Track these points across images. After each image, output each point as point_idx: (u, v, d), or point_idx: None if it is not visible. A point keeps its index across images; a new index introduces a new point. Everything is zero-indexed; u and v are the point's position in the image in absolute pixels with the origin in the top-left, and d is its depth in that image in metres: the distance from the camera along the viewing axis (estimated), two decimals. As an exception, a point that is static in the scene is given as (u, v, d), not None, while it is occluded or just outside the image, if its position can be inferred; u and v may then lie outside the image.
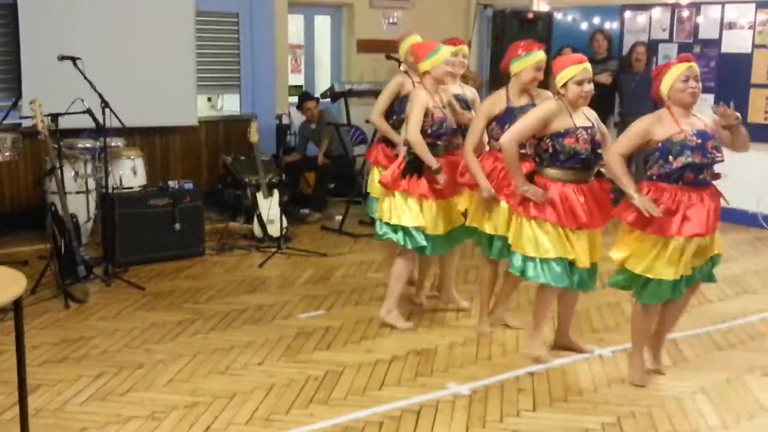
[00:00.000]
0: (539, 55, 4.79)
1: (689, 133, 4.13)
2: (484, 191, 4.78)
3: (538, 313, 4.71)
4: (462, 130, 5.25)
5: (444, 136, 5.07)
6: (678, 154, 4.10)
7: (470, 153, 4.85)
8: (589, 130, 4.42)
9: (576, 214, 4.38)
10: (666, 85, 4.17)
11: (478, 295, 5.27)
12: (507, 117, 4.79)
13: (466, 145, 4.89)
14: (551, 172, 4.46)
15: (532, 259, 4.46)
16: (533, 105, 4.80)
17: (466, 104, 5.42)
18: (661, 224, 4.08)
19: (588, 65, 4.43)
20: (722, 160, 4.21)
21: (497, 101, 4.88)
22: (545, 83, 5.05)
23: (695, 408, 4.15)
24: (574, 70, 4.37)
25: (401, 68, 5.88)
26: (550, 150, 4.42)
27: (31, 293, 5.50)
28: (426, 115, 4.98)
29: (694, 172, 4.13)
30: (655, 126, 4.17)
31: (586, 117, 4.47)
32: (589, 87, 4.40)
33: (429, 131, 5.00)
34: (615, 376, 4.51)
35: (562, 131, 4.38)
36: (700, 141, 4.12)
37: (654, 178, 4.20)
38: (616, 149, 4.26)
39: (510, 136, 4.45)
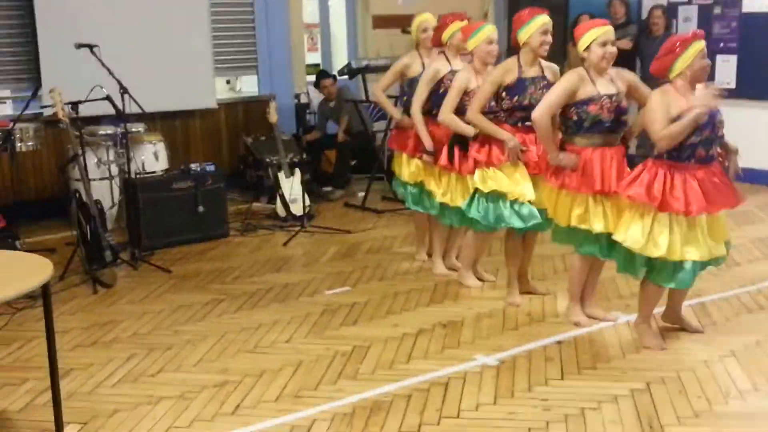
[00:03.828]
0: (543, 18, 4.77)
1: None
2: (509, 139, 4.83)
3: (573, 279, 4.72)
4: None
5: (486, 115, 5.03)
6: (695, 131, 4.04)
7: (478, 115, 4.87)
8: (614, 98, 4.38)
9: (593, 179, 4.37)
10: (684, 62, 4.09)
11: (505, 267, 5.26)
12: (518, 88, 4.79)
13: (472, 107, 4.90)
14: (578, 139, 4.44)
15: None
16: (543, 77, 4.85)
17: None
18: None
19: (610, 27, 4.42)
20: (723, 136, 4.24)
21: (509, 70, 4.83)
22: (563, 52, 5.04)
23: (725, 371, 4.12)
24: (597, 32, 4.36)
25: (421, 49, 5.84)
26: (575, 118, 4.40)
27: (59, 280, 5.56)
28: (466, 93, 5.08)
29: (706, 148, 4.08)
30: (672, 104, 4.09)
31: (611, 83, 4.43)
32: (613, 49, 4.38)
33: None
34: (643, 341, 4.49)
35: (586, 99, 4.36)
36: (708, 116, 4.07)
37: (665, 156, 4.13)
38: (657, 133, 4.10)
39: (541, 110, 4.43)
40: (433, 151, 5.37)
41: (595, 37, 4.35)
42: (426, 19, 5.75)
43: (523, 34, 4.77)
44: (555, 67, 4.98)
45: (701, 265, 4.25)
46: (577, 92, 4.38)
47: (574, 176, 4.42)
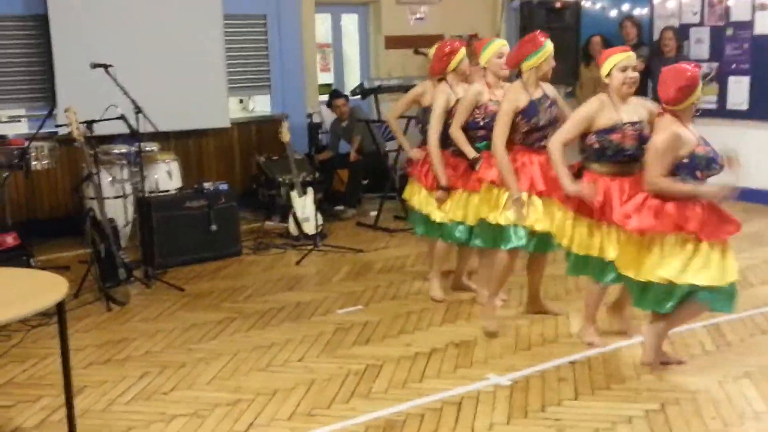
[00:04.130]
0: (551, 44, 4.82)
1: (704, 144, 4.09)
2: (516, 193, 4.76)
3: (589, 301, 4.73)
4: None
5: (467, 132, 5.12)
6: (705, 168, 4.04)
7: (502, 151, 4.77)
8: (637, 125, 4.37)
9: (606, 208, 4.37)
10: (694, 98, 4.09)
11: (516, 287, 5.26)
12: (532, 110, 4.79)
13: (497, 144, 4.77)
14: (597, 166, 4.44)
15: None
16: (546, 96, 4.87)
17: None
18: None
19: (632, 53, 4.43)
20: None
21: (519, 95, 4.80)
22: (575, 73, 5.08)
23: (740, 393, 4.09)
24: (617, 57, 4.39)
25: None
26: (597, 146, 4.40)
27: (73, 297, 5.58)
28: (479, 107, 5.13)
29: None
30: (678, 141, 4.06)
31: (635, 110, 4.42)
32: (634, 74, 4.39)
33: (481, 123, 5.13)
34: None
35: (609, 127, 4.36)
36: (712, 151, 4.09)
37: None
38: (652, 174, 4.10)
39: (557, 139, 4.45)
40: (447, 187, 5.33)
41: (616, 62, 4.37)
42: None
43: (536, 60, 4.76)
44: (550, 85, 4.99)
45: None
46: (596, 119, 4.38)
47: (591, 204, 4.41)
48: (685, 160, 4.05)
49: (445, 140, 5.34)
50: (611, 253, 4.41)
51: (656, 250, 4.09)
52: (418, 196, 5.67)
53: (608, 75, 4.40)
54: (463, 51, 5.45)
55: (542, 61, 4.78)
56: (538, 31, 4.90)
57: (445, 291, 5.68)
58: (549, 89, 4.93)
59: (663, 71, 4.16)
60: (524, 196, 4.76)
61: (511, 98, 4.82)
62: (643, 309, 4.41)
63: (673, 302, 4.13)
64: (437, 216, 5.45)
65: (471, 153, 5.13)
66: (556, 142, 4.46)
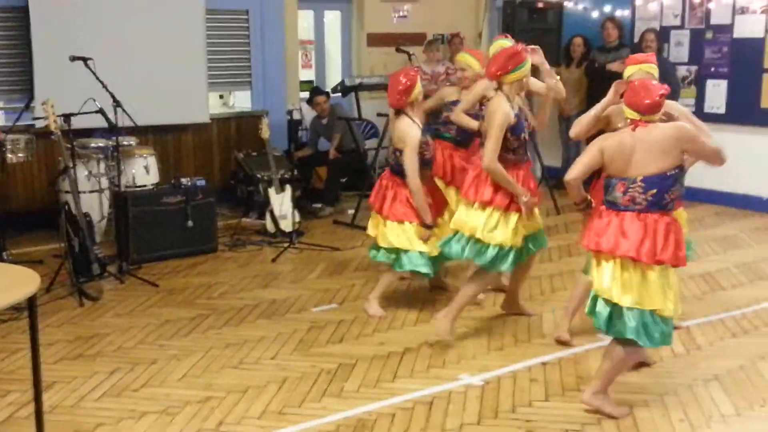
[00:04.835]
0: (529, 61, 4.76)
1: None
2: (524, 196, 4.71)
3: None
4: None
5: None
6: (680, 183, 3.85)
7: (497, 164, 4.63)
8: None
9: None
10: None
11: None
12: (520, 125, 4.71)
13: (491, 158, 4.61)
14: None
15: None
16: (521, 108, 4.78)
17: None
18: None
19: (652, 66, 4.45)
20: None
21: (507, 110, 4.63)
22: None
23: (708, 395, 4.13)
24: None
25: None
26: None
27: (45, 292, 5.55)
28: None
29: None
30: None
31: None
32: None
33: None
34: (628, 364, 4.50)
35: None
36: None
37: (654, 207, 3.76)
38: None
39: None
40: (431, 225, 5.21)
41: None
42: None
43: (520, 73, 4.63)
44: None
45: None
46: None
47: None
48: (674, 172, 3.80)
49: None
50: None
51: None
52: (403, 235, 5.26)
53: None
54: (418, 84, 5.20)
55: (525, 76, 4.69)
56: (520, 45, 4.81)
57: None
58: (519, 100, 4.82)
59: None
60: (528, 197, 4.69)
61: (503, 113, 4.61)
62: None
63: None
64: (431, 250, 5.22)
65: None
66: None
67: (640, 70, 4.44)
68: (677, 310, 3.89)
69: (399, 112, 5.22)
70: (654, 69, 4.49)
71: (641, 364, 4.45)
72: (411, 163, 5.12)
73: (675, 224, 3.83)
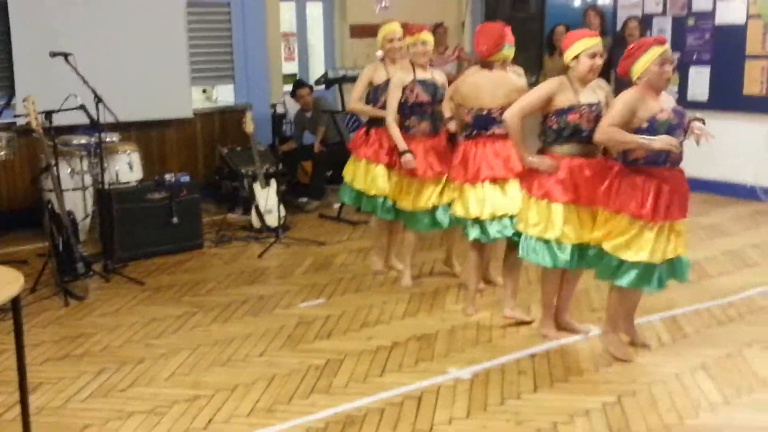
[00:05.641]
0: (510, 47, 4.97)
1: (669, 111, 4.12)
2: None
3: (545, 292, 4.74)
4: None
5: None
6: (667, 133, 4.07)
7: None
8: (594, 107, 4.38)
9: (579, 190, 4.38)
10: (641, 66, 4.14)
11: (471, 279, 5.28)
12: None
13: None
14: (557, 148, 4.45)
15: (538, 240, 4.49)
16: None
17: (434, 89, 5.47)
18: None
19: (600, 40, 4.44)
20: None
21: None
22: (539, 62, 5.15)
23: (695, 384, 4.15)
24: (588, 42, 4.38)
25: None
26: (555, 126, 4.41)
27: (30, 292, 5.51)
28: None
29: (679, 150, 4.11)
30: (640, 103, 4.13)
31: (593, 93, 4.44)
32: (600, 61, 4.39)
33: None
34: (615, 354, 4.52)
35: (566, 107, 4.36)
36: (678, 119, 4.12)
37: (641, 162, 4.15)
38: (606, 124, 4.17)
39: (513, 110, 4.46)
40: (409, 150, 5.42)
41: (586, 47, 4.35)
42: (393, 29, 5.76)
43: (508, 53, 4.90)
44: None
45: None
46: (554, 99, 4.38)
47: (555, 185, 4.40)
48: (645, 125, 4.09)
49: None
50: (572, 236, 4.41)
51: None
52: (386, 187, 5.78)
53: (575, 58, 4.37)
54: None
55: (510, 54, 4.94)
56: (502, 23, 4.94)
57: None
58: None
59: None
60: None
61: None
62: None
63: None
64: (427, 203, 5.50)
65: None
66: (514, 115, 4.44)
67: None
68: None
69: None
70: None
71: (642, 346, 4.55)
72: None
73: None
